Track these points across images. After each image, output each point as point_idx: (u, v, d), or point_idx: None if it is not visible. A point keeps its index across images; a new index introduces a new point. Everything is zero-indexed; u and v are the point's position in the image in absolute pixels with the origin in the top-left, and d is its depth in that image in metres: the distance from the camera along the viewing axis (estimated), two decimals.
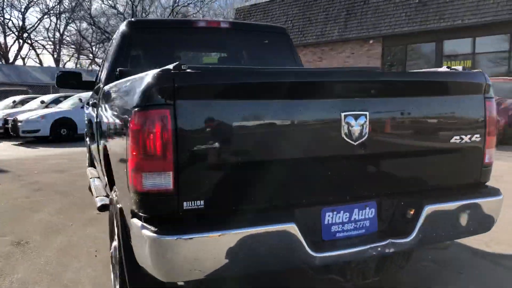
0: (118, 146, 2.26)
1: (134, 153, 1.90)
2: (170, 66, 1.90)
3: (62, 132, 13.81)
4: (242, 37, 4.09)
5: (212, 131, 1.90)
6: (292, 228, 1.97)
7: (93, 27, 34.20)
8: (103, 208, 3.82)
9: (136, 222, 1.96)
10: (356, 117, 2.08)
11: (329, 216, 2.16)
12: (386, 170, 2.24)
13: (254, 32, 4.19)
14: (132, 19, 3.85)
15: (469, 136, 2.34)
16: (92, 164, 5.76)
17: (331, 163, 2.11)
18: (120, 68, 3.48)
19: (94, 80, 5.57)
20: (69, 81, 5.01)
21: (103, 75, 4.39)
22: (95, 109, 3.84)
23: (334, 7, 20.00)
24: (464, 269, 3.41)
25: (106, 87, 3.49)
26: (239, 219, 1.95)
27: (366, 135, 2.11)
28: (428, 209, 2.21)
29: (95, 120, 3.76)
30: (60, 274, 3.48)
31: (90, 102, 4.00)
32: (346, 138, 2.07)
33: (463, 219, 2.29)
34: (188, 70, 1.88)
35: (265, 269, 2.09)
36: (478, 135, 2.36)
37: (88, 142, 5.87)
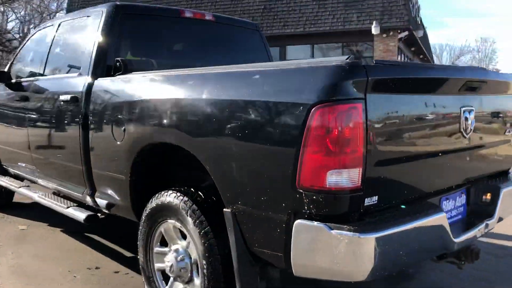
0: (259, 143, 1.96)
1: (316, 150, 1.77)
2: (344, 58, 1.82)
3: None
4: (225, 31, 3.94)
5: (395, 126, 1.91)
6: (444, 217, 2.08)
7: None
8: (91, 218, 3.28)
9: (312, 223, 1.81)
10: (469, 112, 2.30)
11: (444, 204, 2.33)
12: (476, 160, 2.51)
13: (233, 27, 4.06)
14: (118, 3, 3.35)
15: None
16: (2, 172, 4.77)
17: (450, 155, 2.29)
18: (120, 58, 3.04)
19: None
20: None
21: (58, 65, 3.73)
22: (75, 106, 3.18)
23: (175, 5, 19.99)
24: None
25: (107, 81, 2.98)
26: (406, 212, 1.98)
27: (473, 129, 2.34)
28: (504, 191, 2.55)
29: (80, 120, 3.14)
30: None
31: (59, 99, 3.33)
32: (463, 131, 2.28)
33: None
34: (374, 64, 1.85)
35: (420, 259, 2.15)
36: None
37: None
